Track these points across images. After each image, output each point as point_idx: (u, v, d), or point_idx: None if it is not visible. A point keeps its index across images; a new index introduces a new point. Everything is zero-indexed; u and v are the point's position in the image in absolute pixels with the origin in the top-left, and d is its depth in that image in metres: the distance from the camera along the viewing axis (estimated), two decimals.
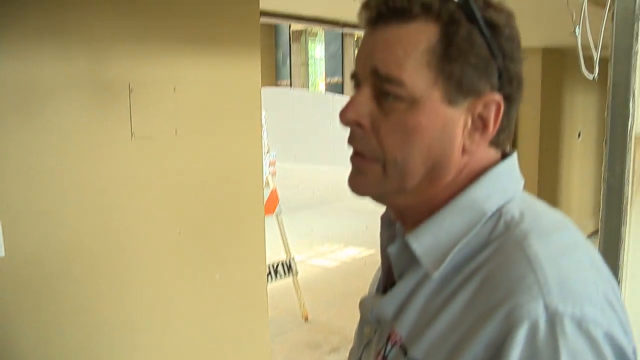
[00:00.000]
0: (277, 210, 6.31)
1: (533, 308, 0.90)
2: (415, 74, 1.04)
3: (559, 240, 1.03)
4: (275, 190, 6.30)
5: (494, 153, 1.13)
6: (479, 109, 1.06)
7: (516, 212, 1.05)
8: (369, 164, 1.09)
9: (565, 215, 1.11)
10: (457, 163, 1.08)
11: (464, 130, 1.07)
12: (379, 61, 1.06)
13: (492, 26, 1.05)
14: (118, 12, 3.21)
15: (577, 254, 1.02)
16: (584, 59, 3.73)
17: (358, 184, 1.12)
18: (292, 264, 6.34)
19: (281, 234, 6.43)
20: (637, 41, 3.49)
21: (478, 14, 1.04)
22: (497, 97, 1.06)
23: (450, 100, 1.05)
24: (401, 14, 1.05)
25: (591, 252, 1.05)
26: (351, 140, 1.10)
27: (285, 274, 6.24)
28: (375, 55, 1.07)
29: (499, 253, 1.00)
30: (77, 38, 3.06)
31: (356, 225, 10.73)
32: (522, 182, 1.14)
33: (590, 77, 3.76)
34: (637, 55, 3.51)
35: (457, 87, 1.05)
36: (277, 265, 6.20)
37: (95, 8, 3.10)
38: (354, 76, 1.12)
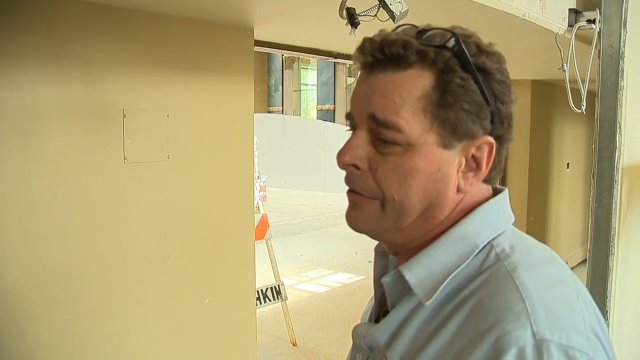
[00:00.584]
0: (266, 235, 6.28)
1: (521, 335, 0.93)
2: (412, 119, 1.06)
3: (547, 273, 1.06)
4: (265, 216, 6.27)
5: (485, 189, 1.16)
6: (473, 150, 1.10)
7: (507, 245, 1.08)
8: (366, 200, 1.11)
9: (553, 250, 1.14)
10: (451, 201, 1.11)
11: (458, 171, 1.10)
12: (376, 107, 1.08)
13: (485, 71, 1.08)
14: (114, 40, 3.24)
15: (564, 287, 1.05)
16: (572, 91, 3.78)
17: (356, 219, 1.13)
18: (281, 289, 6.30)
19: (271, 259, 6.40)
20: (623, 77, 3.51)
21: (471, 61, 1.07)
22: (490, 139, 1.09)
23: (446, 144, 1.08)
24: (397, 61, 1.08)
25: (578, 285, 1.08)
26: (349, 182, 1.12)
27: (274, 298, 6.20)
28: (372, 100, 1.09)
29: (489, 282, 1.02)
30: (73, 64, 3.09)
31: (346, 251, 10.68)
32: (512, 218, 1.16)
33: (578, 111, 3.82)
34: (622, 90, 3.57)
35: (452, 132, 1.08)
36: (266, 290, 6.17)
37: (92, 36, 3.14)
38: (349, 117, 1.14)
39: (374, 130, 1.09)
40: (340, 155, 1.11)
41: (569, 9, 3.89)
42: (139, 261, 3.44)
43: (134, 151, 3.35)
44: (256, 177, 5.94)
